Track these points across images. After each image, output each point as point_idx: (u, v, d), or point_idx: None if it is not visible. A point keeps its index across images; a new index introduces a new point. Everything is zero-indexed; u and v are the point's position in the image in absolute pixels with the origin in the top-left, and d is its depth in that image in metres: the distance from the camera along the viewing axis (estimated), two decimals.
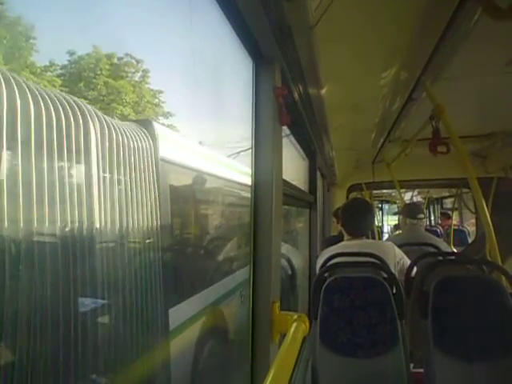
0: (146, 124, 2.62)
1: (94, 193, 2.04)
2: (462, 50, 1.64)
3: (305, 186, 3.12)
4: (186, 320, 2.78)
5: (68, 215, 1.81)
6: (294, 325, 1.09)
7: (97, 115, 2.13)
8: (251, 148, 1.22)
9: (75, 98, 1.99)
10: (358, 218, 2.54)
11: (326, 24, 1.17)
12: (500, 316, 1.90)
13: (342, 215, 2.65)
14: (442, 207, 10.30)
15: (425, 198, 10.02)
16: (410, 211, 3.44)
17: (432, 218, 11.06)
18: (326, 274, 2.20)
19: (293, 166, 2.85)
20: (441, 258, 2.65)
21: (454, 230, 7.37)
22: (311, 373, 2.05)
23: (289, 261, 3.20)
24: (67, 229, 1.82)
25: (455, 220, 8.43)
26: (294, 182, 2.31)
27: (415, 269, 2.41)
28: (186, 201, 3.16)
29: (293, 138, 2.48)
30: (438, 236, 5.23)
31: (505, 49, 1.71)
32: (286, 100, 1.33)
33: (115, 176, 2.28)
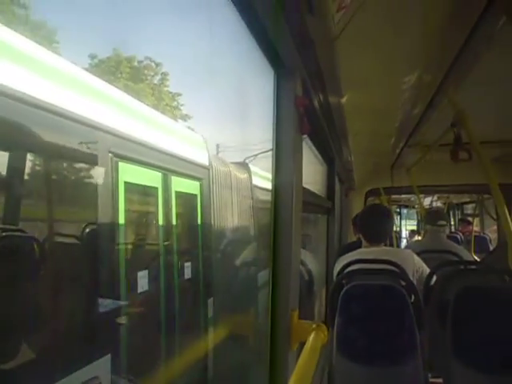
0: (244, 164, 5.08)
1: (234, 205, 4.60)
2: (485, 57, 1.62)
3: (323, 192, 3.11)
4: None
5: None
6: (313, 334, 1.09)
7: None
8: (272, 156, 1.23)
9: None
10: (375, 225, 2.53)
11: (348, 35, 1.17)
12: None
13: (359, 222, 2.63)
14: (462, 213, 10.10)
15: (444, 204, 9.85)
16: (431, 218, 3.40)
17: (452, 223, 10.87)
18: (343, 281, 2.19)
19: (311, 172, 2.85)
20: (462, 266, 2.61)
21: (475, 236, 7.22)
22: (327, 381, 2.04)
23: (306, 267, 3.20)
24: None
25: (476, 226, 8.25)
26: (312, 188, 2.31)
27: (435, 277, 2.38)
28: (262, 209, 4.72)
29: (311, 144, 2.48)
30: (458, 243, 5.14)
31: None
32: (307, 109, 1.33)
33: (236, 195, 4.57)
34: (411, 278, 2.30)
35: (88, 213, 2.36)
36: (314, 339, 1.06)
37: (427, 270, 2.45)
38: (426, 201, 9.11)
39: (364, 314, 2.04)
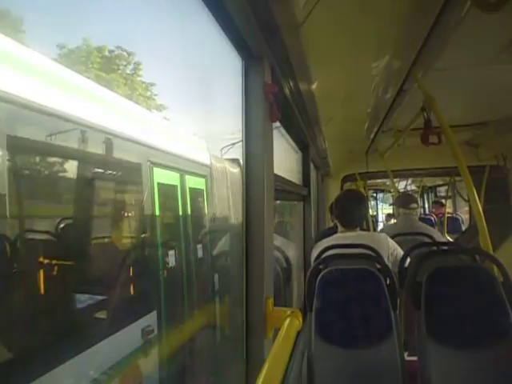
0: (236, 160, 4.65)
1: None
2: (452, 42, 1.64)
3: (298, 179, 3.13)
4: None
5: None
6: (288, 320, 1.10)
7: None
8: (242, 145, 1.22)
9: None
10: (351, 210, 2.56)
11: (314, 20, 1.16)
12: (491, 305, 1.93)
13: (335, 207, 2.66)
14: (435, 195, 10.36)
15: (419, 187, 10.07)
16: (402, 201, 3.46)
17: (426, 206, 11.13)
18: (320, 266, 2.21)
19: (285, 160, 2.85)
20: (434, 247, 2.67)
21: (448, 217, 7.42)
22: (307, 364, 2.07)
23: (284, 254, 3.22)
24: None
25: (449, 208, 8.48)
26: (287, 176, 2.31)
27: (408, 259, 2.43)
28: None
29: (285, 132, 2.48)
30: (432, 224, 5.27)
31: (494, 40, 1.71)
32: (277, 96, 1.32)
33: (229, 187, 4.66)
34: (386, 261, 2.34)
35: (143, 203, 3.28)
36: (288, 325, 1.07)
37: (401, 253, 2.50)
38: (401, 185, 9.29)
39: (341, 298, 2.07)
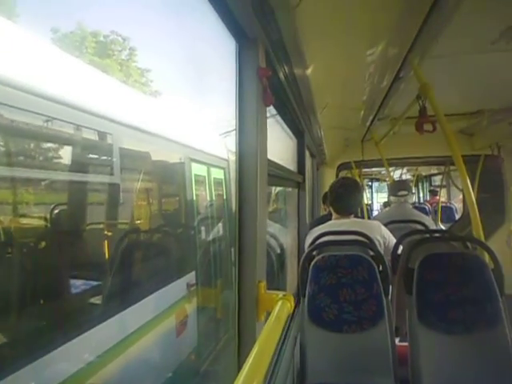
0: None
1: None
2: (449, 29, 1.63)
3: (293, 166, 3.13)
4: None
5: None
6: (279, 303, 1.12)
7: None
8: (235, 129, 1.22)
9: None
10: (345, 197, 2.57)
11: (309, 3, 1.15)
12: (481, 291, 1.96)
13: (329, 194, 2.67)
14: (430, 184, 10.41)
15: (413, 176, 10.11)
16: (392, 189, 3.50)
17: (421, 195, 11.18)
18: (314, 253, 2.23)
19: (281, 146, 2.85)
20: (427, 235, 2.70)
21: (442, 206, 7.47)
22: (299, 349, 2.10)
23: (279, 240, 3.24)
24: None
25: (443, 197, 8.53)
26: (281, 162, 2.31)
27: (401, 246, 2.46)
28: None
29: (280, 118, 2.47)
30: (426, 213, 5.30)
31: (491, 27, 1.70)
32: (271, 80, 1.32)
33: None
34: (379, 248, 2.37)
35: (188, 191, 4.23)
36: (280, 309, 1.08)
37: (394, 240, 2.53)
38: (396, 173, 9.32)
39: (333, 284, 2.10)
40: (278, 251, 3.20)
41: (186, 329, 3.62)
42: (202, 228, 4.49)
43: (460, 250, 2.30)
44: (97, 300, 2.66)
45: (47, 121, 2.29)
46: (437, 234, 2.83)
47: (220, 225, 4.92)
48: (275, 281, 3.12)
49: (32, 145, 2.47)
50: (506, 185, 4.19)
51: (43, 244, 2.50)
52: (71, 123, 2.47)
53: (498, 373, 1.89)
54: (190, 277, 3.85)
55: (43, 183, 2.49)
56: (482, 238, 2.16)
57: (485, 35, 1.79)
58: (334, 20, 1.41)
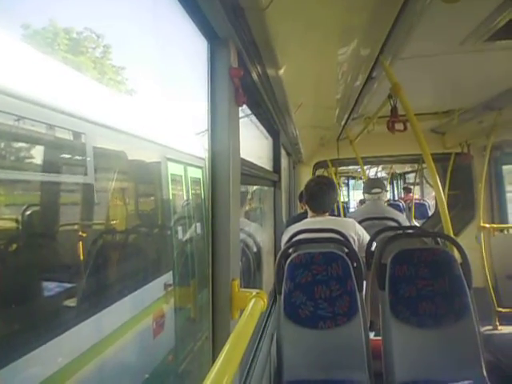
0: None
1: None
2: (417, 31, 1.67)
3: (269, 165, 3.15)
4: None
5: None
6: (253, 301, 1.13)
7: None
8: (207, 129, 1.22)
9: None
10: (320, 196, 2.61)
11: (279, 4, 1.16)
12: (450, 285, 2.02)
13: (305, 193, 2.70)
14: (404, 182, 10.64)
15: (388, 174, 10.31)
16: (366, 186, 3.58)
17: (395, 192, 11.42)
18: (289, 251, 2.26)
19: (255, 146, 2.86)
20: (400, 231, 2.76)
21: (416, 203, 7.65)
22: (276, 345, 2.12)
23: (255, 239, 3.26)
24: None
25: (417, 194, 8.73)
26: (257, 162, 2.32)
27: (375, 243, 2.51)
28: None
29: (255, 118, 2.48)
30: (400, 210, 5.42)
31: (458, 30, 1.75)
32: (244, 80, 1.32)
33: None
34: (353, 245, 2.41)
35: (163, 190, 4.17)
36: (253, 306, 1.09)
37: (367, 237, 2.58)
38: (372, 171, 9.48)
39: (309, 281, 2.13)
40: (255, 250, 3.22)
41: (163, 330, 3.58)
42: (179, 228, 4.49)
43: (430, 246, 2.37)
44: (71, 302, 2.61)
45: (17, 120, 2.23)
46: (409, 231, 2.90)
47: (197, 224, 4.93)
48: (252, 279, 3.13)
49: (1, 144, 2.41)
50: (476, 182, 4.33)
51: (14, 246, 2.44)
52: (43, 122, 2.41)
53: (466, 364, 1.96)
54: (168, 277, 3.86)
55: (14, 184, 2.43)
56: (452, 234, 2.23)
57: (451, 37, 1.85)
58: (304, 20, 1.43)
